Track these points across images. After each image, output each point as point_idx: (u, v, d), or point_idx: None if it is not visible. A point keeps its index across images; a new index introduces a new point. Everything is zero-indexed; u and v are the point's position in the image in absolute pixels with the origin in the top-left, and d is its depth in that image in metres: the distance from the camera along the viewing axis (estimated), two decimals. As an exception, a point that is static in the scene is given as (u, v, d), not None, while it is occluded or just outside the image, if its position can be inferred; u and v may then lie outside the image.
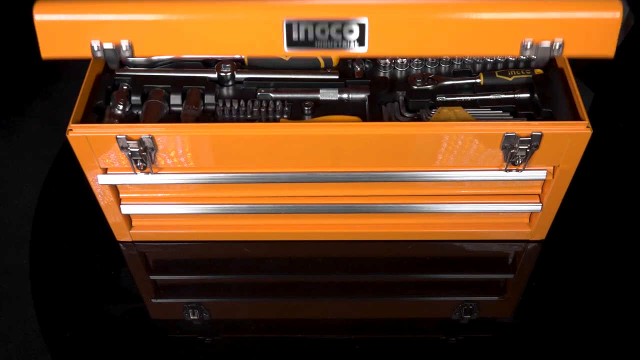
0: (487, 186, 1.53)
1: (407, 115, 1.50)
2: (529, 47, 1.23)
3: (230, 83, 1.56)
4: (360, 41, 1.23)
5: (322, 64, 1.58)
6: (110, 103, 1.48)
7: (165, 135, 1.38)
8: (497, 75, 1.54)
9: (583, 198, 1.69)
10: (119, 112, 1.47)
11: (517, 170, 1.46)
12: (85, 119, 1.44)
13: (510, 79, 1.54)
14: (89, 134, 1.38)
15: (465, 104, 1.51)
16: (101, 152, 1.41)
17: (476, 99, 1.51)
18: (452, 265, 1.62)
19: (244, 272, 1.62)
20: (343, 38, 1.23)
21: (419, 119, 1.48)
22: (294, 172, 1.46)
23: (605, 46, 1.23)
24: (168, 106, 1.51)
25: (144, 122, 1.45)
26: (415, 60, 1.58)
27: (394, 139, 1.40)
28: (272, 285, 1.61)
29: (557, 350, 1.44)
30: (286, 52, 1.24)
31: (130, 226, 1.62)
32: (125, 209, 1.55)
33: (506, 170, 1.46)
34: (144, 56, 1.51)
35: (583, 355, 1.44)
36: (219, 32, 1.24)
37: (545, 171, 1.45)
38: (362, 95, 1.52)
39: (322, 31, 1.22)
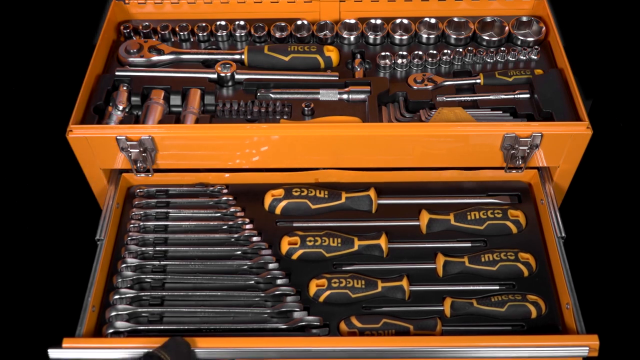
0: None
1: (407, 115, 1.50)
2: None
3: (230, 83, 1.56)
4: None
5: (322, 65, 1.58)
6: (110, 104, 1.48)
7: (165, 136, 1.38)
8: (497, 76, 1.54)
9: (583, 198, 1.68)
10: (119, 112, 1.47)
11: (517, 170, 1.46)
12: (85, 120, 1.44)
13: (510, 79, 1.53)
14: (89, 134, 1.38)
15: (465, 104, 1.51)
16: (101, 153, 1.41)
17: (476, 99, 1.51)
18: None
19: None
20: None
21: (419, 119, 1.48)
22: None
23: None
24: (168, 106, 1.51)
25: (143, 122, 1.45)
26: (415, 60, 1.58)
27: (394, 139, 1.40)
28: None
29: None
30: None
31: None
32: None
33: (506, 170, 1.46)
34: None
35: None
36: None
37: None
38: (362, 96, 1.52)
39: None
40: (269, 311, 1.31)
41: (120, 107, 1.47)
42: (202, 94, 1.52)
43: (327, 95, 1.53)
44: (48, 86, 1.99)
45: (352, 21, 1.66)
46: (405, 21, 1.66)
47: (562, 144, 1.39)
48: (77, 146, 1.39)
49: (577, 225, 1.62)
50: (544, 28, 1.62)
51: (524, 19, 1.64)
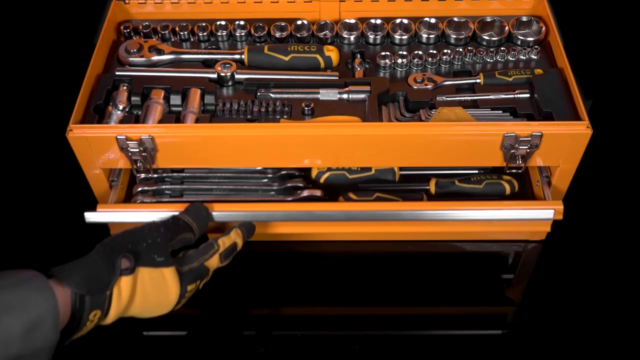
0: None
1: (407, 115, 1.50)
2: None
3: (230, 83, 1.56)
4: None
5: (322, 65, 1.58)
6: (110, 103, 1.48)
7: (165, 136, 1.38)
8: (497, 75, 1.54)
9: (583, 198, 1.68)
10: (119, 112, 1.47)
11: (517, 170, 1.46)
12: (85, 119, 1.44)
13: (510, 79, 1.54)
14: (89, 134, 1.38)
15: (465, 104, 1.51)
16: (101, 153, 1.41)
17: (476, 99, 1.51)
18: (451, 264, 1.61)
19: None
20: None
21: (419, 119, 1.48)
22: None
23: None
24: (168, 106, 1.51)
25: (143, 122, 1.45)
26: (415, 60, 1.58)
27: (394, 139, 1.40)
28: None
29: (557, 350, 1.44)
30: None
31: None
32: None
33: (506, 170, 1.47)
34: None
35: (583, 356, 1.45)
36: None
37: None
38: (362, 96, 1.52)
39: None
40: (276, 188, 1.54)
41: (120, 107, 1.47)
42: (202, 93, 1.52)
43: (327, 95, 1.53)
44: (48, 86, 1.99)
45: (352, 21, 1.66)
46: (405, 21, 1.66)
47: (562, 144, 1.39)
48: (77, 146, 1.40)
49: (577, 226, 1.63)
50: (544, 28, 1.62)
51: (524, 19, 1.64)
